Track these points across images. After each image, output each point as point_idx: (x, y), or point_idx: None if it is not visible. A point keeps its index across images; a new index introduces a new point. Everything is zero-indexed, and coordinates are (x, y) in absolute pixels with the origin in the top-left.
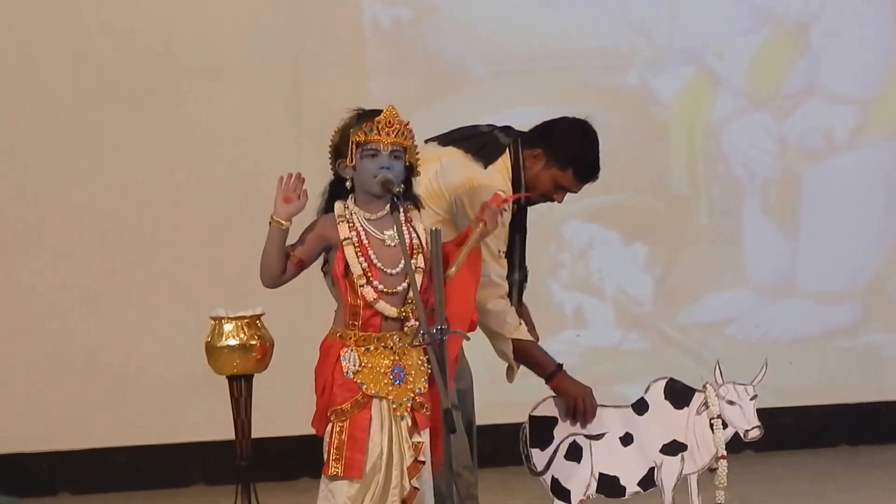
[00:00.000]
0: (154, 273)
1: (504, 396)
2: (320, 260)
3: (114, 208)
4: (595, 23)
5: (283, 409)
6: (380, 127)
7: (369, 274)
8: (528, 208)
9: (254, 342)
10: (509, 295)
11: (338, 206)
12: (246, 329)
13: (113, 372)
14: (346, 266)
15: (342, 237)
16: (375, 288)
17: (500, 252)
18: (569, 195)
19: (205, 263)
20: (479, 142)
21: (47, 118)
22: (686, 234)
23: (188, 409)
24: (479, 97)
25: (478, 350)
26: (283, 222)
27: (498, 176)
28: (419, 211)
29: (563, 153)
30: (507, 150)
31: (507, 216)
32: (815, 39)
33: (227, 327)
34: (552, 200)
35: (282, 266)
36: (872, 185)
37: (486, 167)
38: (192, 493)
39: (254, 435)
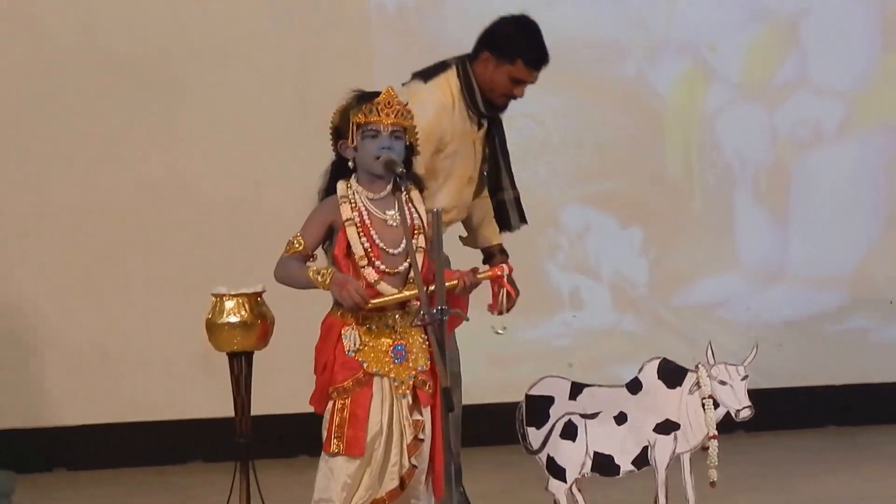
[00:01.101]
0: (157, 252)
1: (500, 376)
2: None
3: (118, 191)
4: (594, 15)
5: (282, 387)
6: (379, 108)
7: (371, 254)
8: (505, 134)
9: (255, 320)
10: (508, 215)
11: (340, 186)
12: (247, 306)
13: (113, 349)
14: (348, 246)
15: (344, 218)
16: (377, 269)
17: (469, 178)
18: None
19: (208, 243)
20: (429, 68)
21: (56, 103)
22: (680, 219)
23: (188, 385)
24: None
25: (475, 332)
26: (324, 280)
27: (436, 90)
28: (421, 191)
29: (508, 47)
30: (455, 67)
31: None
32: (806, 35)
33: (228, 304)
34: (514, 97)
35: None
36: (859, 175)
37: (425, 83)
38: (191, 470)
39: (253, 412)
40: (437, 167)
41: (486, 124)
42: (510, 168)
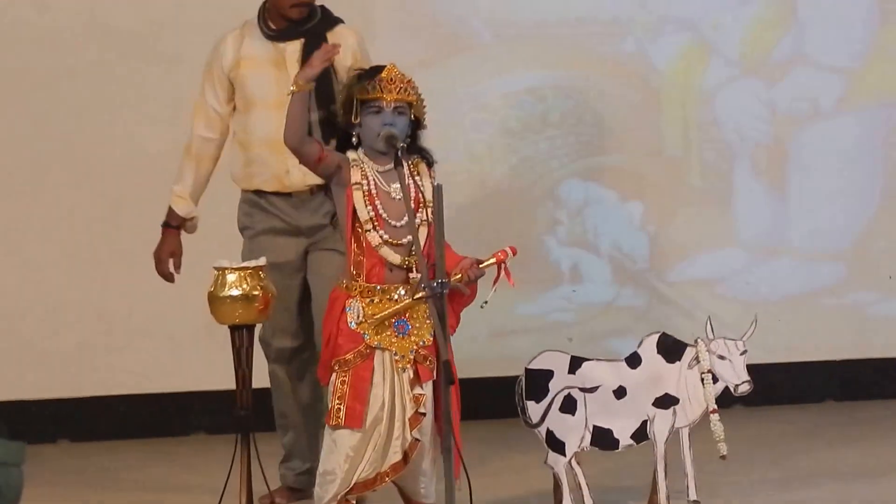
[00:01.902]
0: (158, 224)
1: (500, 350)
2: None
3: (123, 164)
4: None
5: None
6: (382, 84)
7: (375, 222)
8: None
9: (256, 293)
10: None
11: (351, 153)
12: (249, 280)
13: (115, 321)
14: (354, 212)
15: (353, 181)
16: (380, 236)
17: (276, 104)
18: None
19: (209, 216)
20: None
21: (60, 78)
22: (679, 194)
23: (190, 358)
24: (482, 60)
25: (475, 306)
26: (298, 85)
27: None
28: (429, 166)
29: None
30: None
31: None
32: (804, 11)
33: (230, 278)
34: (293, 18)
35: (305, 129)
36: (857, 150)
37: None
38: (192, 442)
39: (254, 385)
40: (238, 98)
41: (298, 45)
42: (326, 88)
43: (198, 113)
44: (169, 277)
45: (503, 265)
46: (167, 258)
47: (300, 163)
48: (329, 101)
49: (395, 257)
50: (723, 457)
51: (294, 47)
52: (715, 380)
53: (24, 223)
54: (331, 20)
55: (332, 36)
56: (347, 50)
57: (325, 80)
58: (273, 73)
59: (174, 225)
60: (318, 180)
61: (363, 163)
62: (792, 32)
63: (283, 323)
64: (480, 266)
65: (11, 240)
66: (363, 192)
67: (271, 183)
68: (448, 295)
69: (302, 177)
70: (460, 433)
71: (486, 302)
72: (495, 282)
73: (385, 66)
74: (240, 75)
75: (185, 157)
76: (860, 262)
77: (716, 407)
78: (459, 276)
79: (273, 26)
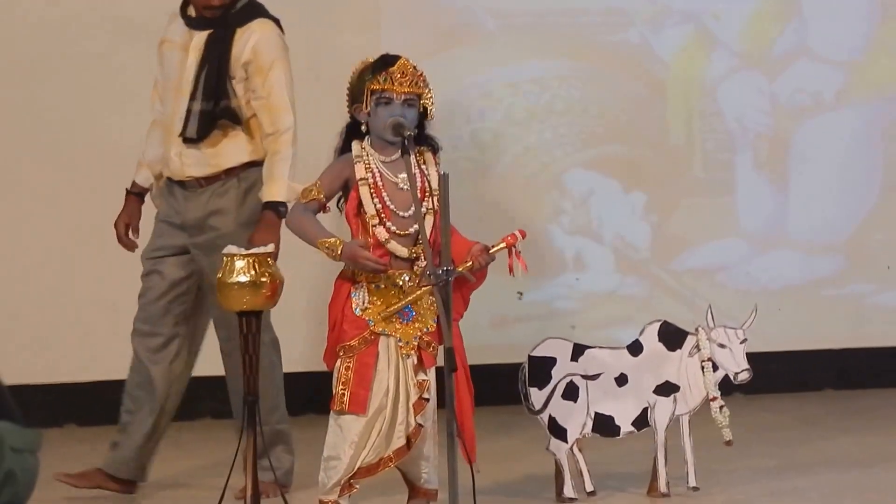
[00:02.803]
0: None
1: (503, 338)
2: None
3: (131, 151)
4: None
5: (290, 346)
6: (394, 77)
7: (382, 215)
8: (230, 52)
9: (264, 279)
10: (186, 123)
11: (355, 146)
12: (257, 266)
13: (121, 306)
14: (359, 205)
15: (358, 177)
16: (388, 229)
17: (176, 87)
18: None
19: None
20: None
21: (69, 65)
22: (682, 185)
23: None
24: (487, 49)
25: (478, 294)
26: (335, 253)
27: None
28: (434, 155)
29: None
30: None
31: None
32: (805, 5)
33: (239, 264)
34: (205, 16)
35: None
36: (857, 142)
37: None
38: (199, 427)
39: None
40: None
41: (207, 36)
42: (214, 80)
43: (154, 86)
44: (128, 245)
45: (514, 249)
46: (122, 225)
47: None
48: (218, 94)
49: (402, 251)
50: (728, 442)
51: (201, 37)
52: (715, 368)
53: (30, 210)
54: (250, 14)
55: (243, 30)
56: (248, 44)
57: (216, 73)
58: (180, 57)
59: (134, 192)
60: (201, 172)
61: (368, 155)
62: (794, 25)
63: (154, 313)
64: (490, 251)
65: (19, 226)
66: (369, 186)
67: (166, 166)
68: (457, 280)
69: (180, 166)
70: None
71: (520, 294)
72: (511, 269)
73: (398, 58)
74: (160, 54)
75: (150, 129)
76: (859, 252)
77: (716, 394)
78: (470, 263)
79: (191, 13)
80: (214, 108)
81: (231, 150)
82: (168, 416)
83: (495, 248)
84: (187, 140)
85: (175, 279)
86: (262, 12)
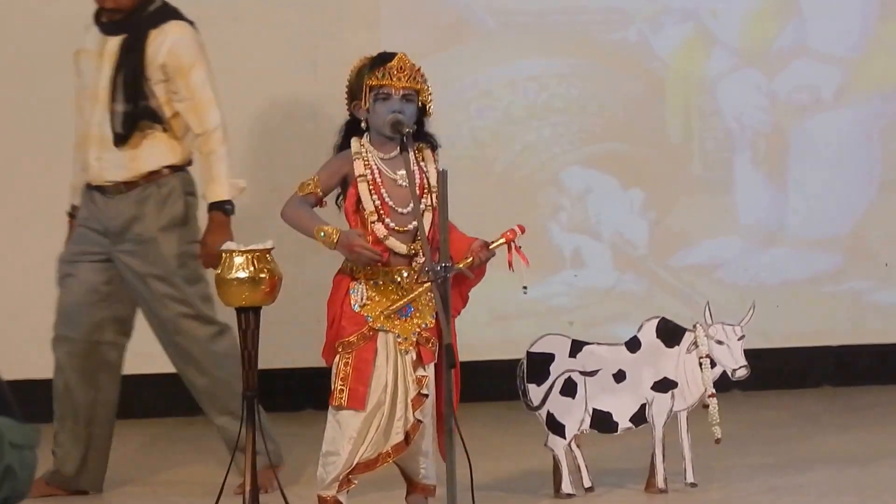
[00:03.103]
0: None
1: (502, 334)
2: (335, 193)
3: None
4: None
5: (289, 343)
6: (392, 72)
7: (381, 211)
8: (144, 53)
9: (263, 275)
10: (111, 125)
11: (354, 143)
12: (256, 262)
13: None
14: (358, 202)
15: (357, 174)
16: (387, 225)
17: (91, 94)
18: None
19: None
20: None
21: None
22: (680, 182)
23: None
24: (486, 48)
25: (477, 290)
26: (331, 241)
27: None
28: (434, 152)
29: None
30: None
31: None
32: (804, 3)
33: (238, 260)
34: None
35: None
36: (855, 140)
37: None
38: (198, 422)
39: (260, 366)
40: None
41: (121, 40)
42: (132, 82)
43: (76, 98)
44: None
45: (513, 244)
46: None
47: None
48: (136, 96)
49: (401, 247)
50: (717, 440)
51: (115, 42)
52: (713, 364)
53: (32, 206)
54: (163, 16)
55: (156, 32)
56: (163, 46)
57: (132, 75)
58: (96, 64)
59: (74, 215)
60: (120, 176)
61: (367, 152)
62: (793, 23)
63: (74, 318)
64: (490, 247)
65: (21, 224)
66: (368, 183)
67: (85, 171)
68: (455, 277)
69: (99, 170)
70: (458, 414)
71: (525, 288)
72: (510, 265)
73: (395, 54)
74: (76, 64)
75: (75, 148)
76: (857, 249)
77: (714, 391)
78: (470, 259)
79: (103, 18)
80: (134, 109)
81: (150, 153)
82: (102, 422)
83: (495, 244)
84: (117, 141)
85: (93, 284)
86: (175, 14)
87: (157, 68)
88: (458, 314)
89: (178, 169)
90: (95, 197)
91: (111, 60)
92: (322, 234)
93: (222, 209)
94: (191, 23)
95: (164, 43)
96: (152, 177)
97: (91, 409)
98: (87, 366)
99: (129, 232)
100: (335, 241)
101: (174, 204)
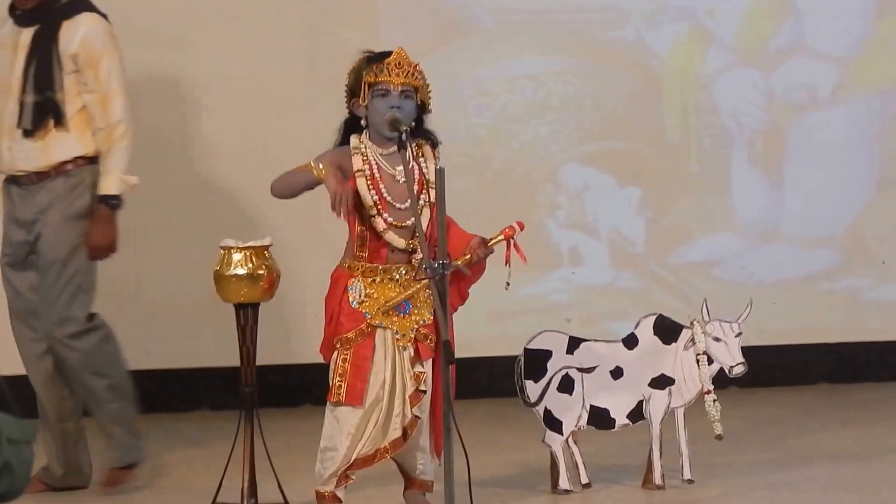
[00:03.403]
0: (168, 206)
1: (500, 330)
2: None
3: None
4: None
5: (287, 339)
6: (390, 68)
7: (379, 206)
8: (56, 41)
9: (261, 272)
10: (21, 116)
11: (353, 139)
12: (254, 259)
13: (123, 299)
14: (357, 196)
15: (355, 168)
16: (385, 220)
17: (9, 87)
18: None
19: (216, 196)
20: None
21: None
22: (678, 180)
23: (195, 336)
24: (484, 46)
25: (475, 287)
26: (322, 173)
27: None
28: (433, 147)
29: None
30: None
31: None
32: (801, 1)
33: (236, 257)
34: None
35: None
36: (852, 138)
37: None
38: (197, 418)
39: (258, 363)
40: None
41: (34, 31)
42: (44, 73)
43: None
44: None
45: (512, 241)
46: None
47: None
48: (46, 86)
49: (399, 241)
50: (718, 436)
51: (28, 33)
52: (710, 361)
53: None
54: (76, 8)
55: (69, 23)
56: (76, 37)
57: (44, 65)
58: (10, 56)
59: None
60: (30, 166)
61: (366, 148)
62: (790, 21)
63: (30, 321)
64: (489, 244)
65: None
66: (366, 178)
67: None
68: (454, 274)
69: (11, 160)
70: (455, 410)
71: (508, 283)
72: (507, 260)
73: (393, 51)
74: None
75: None
76: (854, 247)
77: (711, 388)
78: (469, 256)
79: (17, 9)
80: (44, 100)
81: (61, 144)
82: (73, 416)
83: (494, 241)
84: (26, 133)
85: (32, 283)
86: (88, 6)
87: (69, 58)
88: (456, 310)
89: (90, 161)
90: (12, 190)
91: (24, 51)
92: (319, 165)
93: (108, 203)
94: (104, 15)
95: (76, 34)
96: (62, 167)
97: (60, 405)
98: (47, 363)
99: (38, 223)
100: (324, 176)
101: (81, 196)
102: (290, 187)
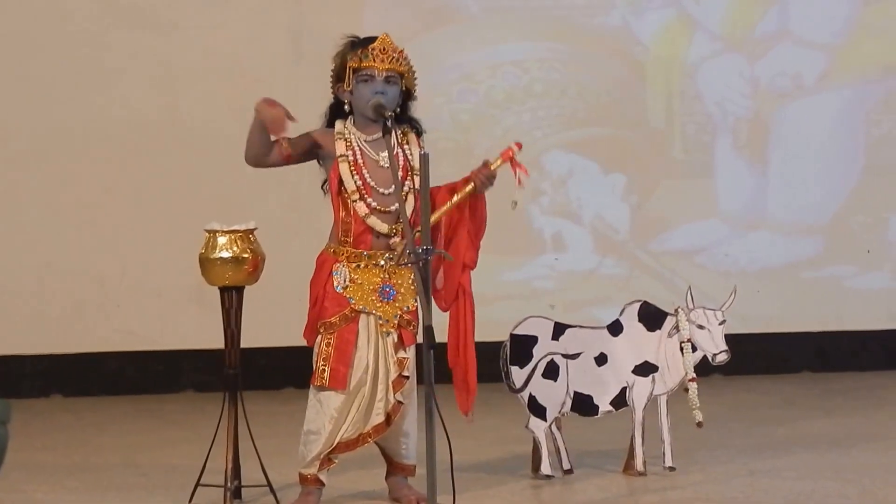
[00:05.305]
0: (153, 187)
1: (484, 316)
2: (321, 179)
3: (116, 126)
4: None
5: (271, 322)
6: (374, 54)
7: (363, 191)
8: None
9: (246, 255)
10: None
11: (338, 124)
12: (239, 242)
13: (109, 281)
14: (340, 182)
15: (338, 153)
16: (368, 205)
17: None
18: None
19: (201, 180)
20: None
21: (56, 42)
22: (662, 167)
23: (180, 318)
24: (469, 31)
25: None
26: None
27: None
28: (418, 135)
29: None
30: None
31: None
32: None
33: (221, 240)
34: None
35: (266, 149)
36: (837, 125)
37: None
38: (181, 399)
39: (242, 345)
40: None
41: None
42: None
43: None
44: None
45: (513, 160)
46: None
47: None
48: None
49: (382, 226)
50: (699, 424)
51: None
52: (694, 348)
53: (21, 186)
54: None
55: None
56: None
57: None
58: None
59: None
60: None
61: (350, 133)
62: (776, 8)
63: None
64: (491, 168)
65: (9, 201)
66: (349, 163)
67: None
68: (461, 222)
69: None
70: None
71: (515, 203)
72: (519, 181)
73: (377, 36)
74: None
75: None
76: (838, 235)
77: (694, 375)
78: (472, 185)
79: None
80: None
81: None
82: None
83: (495, 165)
84: None
85: None
86: None
87: None
88: (474, 266)
89: None
90: None
91: None
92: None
93: None
94: None
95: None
96: None
97: None
98: None
99: None
100: (257, 107)
101: None
102: (251, 144)
